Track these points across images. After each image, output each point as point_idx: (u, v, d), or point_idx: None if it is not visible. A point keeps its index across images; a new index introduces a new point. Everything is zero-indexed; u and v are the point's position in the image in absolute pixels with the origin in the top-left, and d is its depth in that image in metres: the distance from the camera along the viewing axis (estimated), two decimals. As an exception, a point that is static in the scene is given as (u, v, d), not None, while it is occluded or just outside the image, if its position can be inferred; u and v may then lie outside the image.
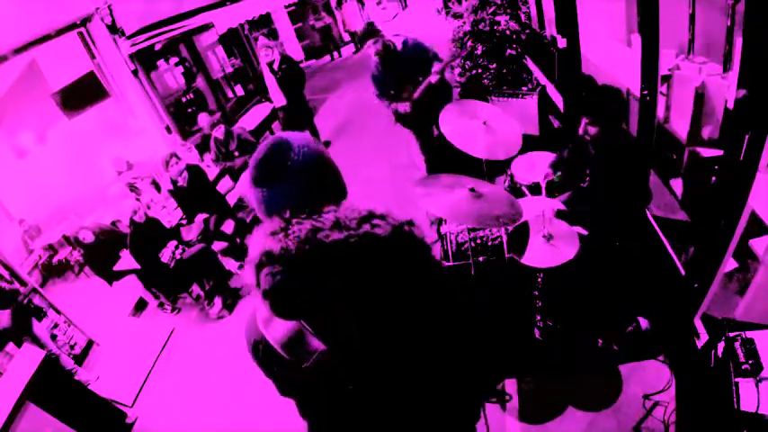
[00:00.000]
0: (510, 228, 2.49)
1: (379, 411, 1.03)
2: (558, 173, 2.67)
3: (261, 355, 1.00)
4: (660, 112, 2.68)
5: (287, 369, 0.95)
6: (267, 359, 0.99)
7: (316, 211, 0.91)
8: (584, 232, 2.35)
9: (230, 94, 8.97)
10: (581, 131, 2.35)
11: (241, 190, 5.15)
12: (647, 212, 2.78)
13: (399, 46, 3.63)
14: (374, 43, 3.57)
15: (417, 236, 0.96)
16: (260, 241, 0.90)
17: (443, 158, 2.89)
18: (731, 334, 1.69)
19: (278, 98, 5.51)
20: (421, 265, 0.97)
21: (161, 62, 7.68)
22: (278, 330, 0.93)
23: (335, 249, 0.85)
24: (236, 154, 5.32)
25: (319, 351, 0.91)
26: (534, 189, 2.90)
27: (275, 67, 5.28)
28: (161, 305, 4.42)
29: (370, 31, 3.62)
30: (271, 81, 5.38)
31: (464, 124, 2.61)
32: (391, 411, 1.02)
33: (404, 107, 3.78)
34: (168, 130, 6.42)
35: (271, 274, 0.86)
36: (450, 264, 2.89)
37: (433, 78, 3.56)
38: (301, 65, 9.16)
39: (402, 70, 3.66)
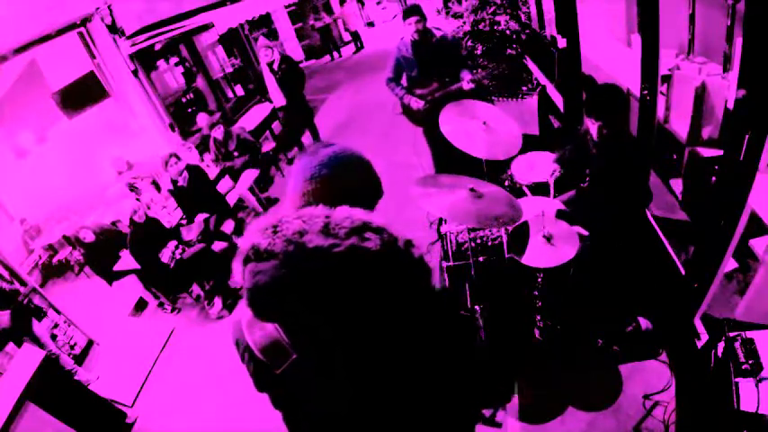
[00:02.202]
0: (510, 228, 2.49)
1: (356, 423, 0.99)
2: (565, 168, 2.65)
3: (241, 352, 0.99)
4: (660, 112, 2.67)
5: (263, 370, 0.93)
6: (246, 357, 0.97)
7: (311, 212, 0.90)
8: (585, 232, 2.35)
9: (230, 94, 8.98)
10: (590, 130, 2.34)
11: (241, 190, 5.15)
12: (647, 212, 2.78)
13: (438, 36, 3.53)
14: (416, 22, 3.41)
15: (414, 256, 0.91)
16: (252, 235, 0.89)
17: (452, 158, 2.85)
18: (731, 334, 1.69)
19: (277, 98, 5.51)
20: (409, 288, 0.90)
21: (161, 62, 7.69)
22: (257, 332, 0.92)
23: (316, 256, 0.83)
24: (236, 154, 5.32)
25: (292, 359, 0.89)
26: (535, 189, 2.90)
27: (275, 67, 5.28)
28: (161, 305, 4.42)
29: (417, 9, 3.44)
30: (270, 81, 5.38)
31: (464, 124, 2.61)
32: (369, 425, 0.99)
33: (417, 104, 3.70)
34: (172, 127, 6.42)
35: (252, 272, 0.86)
36: (451, 264, 2.89)
37: (467, 86, 3.47)
38: (301, 65, 9.17)
39: (431, 61, 3.56)
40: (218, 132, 5.19)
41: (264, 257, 0.85)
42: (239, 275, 0.89)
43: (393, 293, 0.87)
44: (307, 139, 6.19)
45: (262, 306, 0.88)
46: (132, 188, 5.04)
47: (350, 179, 1.05)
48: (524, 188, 2.92)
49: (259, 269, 0.86)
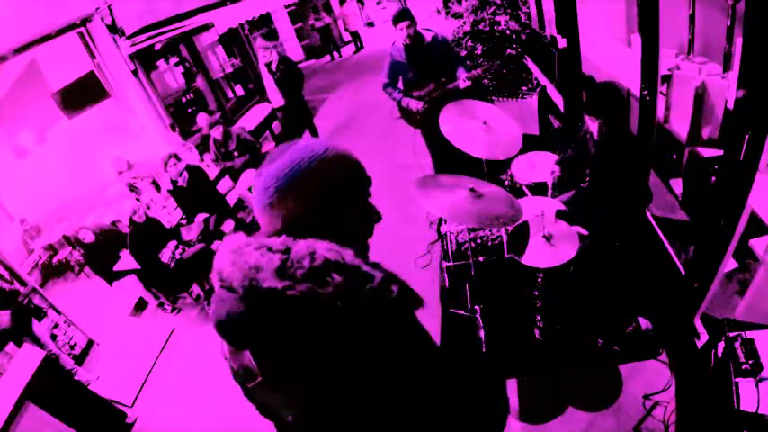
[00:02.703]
0: (510, 228, 2.49)
1: None
2: (565, 171, 2.66)
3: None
4: (660, 112, 2.67)
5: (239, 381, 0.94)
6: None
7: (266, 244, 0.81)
8: (585, 232, 2.35)
9: (230, 94, 8.98)
10: (591, 130, 2.34)
11: (241, 190, 5.15)
12: (647, 212, 2.79)
13: (429, 39, 3.53)
14: (407, 27, 3.41)
15: (389, 297, 0.79)
16: (222, 255, 0.87)
17: (451, 159, 2.85)
18: (731, 334, 1.69)
19: (276, 98, 5.52)
20: (377, 333, 0.79)
21: (161, 62, 7.69)
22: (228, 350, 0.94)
23: (269, 297, 0.76)
24: (236, 154, 5.32)
25: (258, 381, 0.87)
26: (535, 189, 2.90)
27: (273, 67, 5.28)
28: (161, 305, 4.42)
29: (406, 13, 3.44)
30: (269, 81, 5.39)
31: (464, 124, 2.61)
32: None
33: (416, 105, 3.71)
34: (173, 127, 6.42)
35: (217, 299, 0.86)
36: (451, 264, 2.89)
37: (463, 84, 3.48)
38: (301, 65, 9.18)
39: (426, 63, 3.57)
40: (218, 133, 5.19)
41: (226, 287, 0.84)
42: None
43: (355, 339, 0.78)
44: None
45: (223, 334, 0.89)
46: (132, 188, 5.03)
47: (315, 194, 0.84)
48: (524, 188, 2.92)
49: (222, 297, 0.85)
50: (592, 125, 2.33)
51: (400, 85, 3.82)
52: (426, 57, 3.55)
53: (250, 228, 5.13)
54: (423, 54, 3.54)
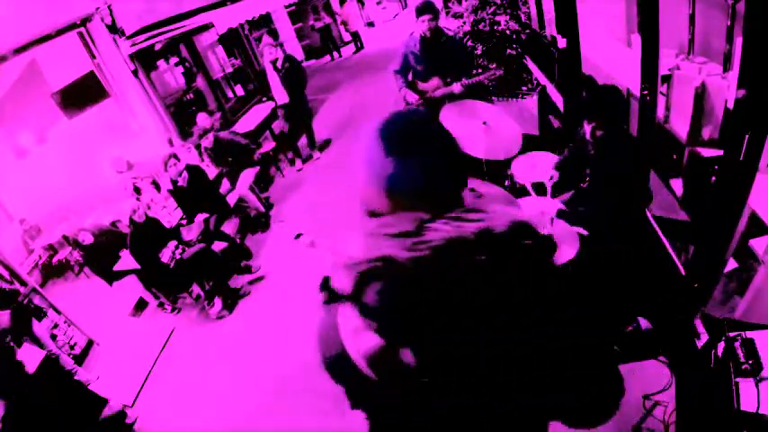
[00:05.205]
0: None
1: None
2: (563, 173, 2.66)
3: (336, 368, 0.88)
4: (660, 112, 2.67)
5: (362, 383, 0.82)
6: (342, 372, 0.86)
7: (456, 214, 0.79)
8: (585, 232, 2.35)
9: (230, 94, 8.98)
10: (587, 133, 2.33)
11: (241, 190, 5.15)
12: (647, 212, 2.78)
13: (446, 37, 3.63)
14: (429, 20, 3.47)
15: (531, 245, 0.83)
16: (369, 241, 0.77)
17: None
18: (731, 334, 1.69)
19: (281, 96, 5.54)
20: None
21: (161, 62, 7.69)
22: (367, 343, 0.78)
23: (476, 273, 0.72)
24: (230, 159, 5.34)
25: (408, 367, 0.76)
26: (535, 189, 2.90)
27: (278, 65, 5.31)
28: (161, 305, 4.42)
29: (431, 7, 3.49)
30: (274, 79, 5.41)
31: (464, 124, 2.61)
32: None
33: (413, 98, 3.78)
34: (170, 142, 6.43)
35: (381, 293, 0.74)
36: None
37: (457, 89, 3.56)
38: (302, 64, 9.16)
39: (436, 59, 3.63)
40: (208, 141, 5.20)
41: (403, 272, 0.73)
42: (340, 284, 0.79)
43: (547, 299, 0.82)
44: (301, 142, 6.22)
45: (397, 330, 0.75)
46: (137, 190, 5.04)
47: (452, 163, 0.90)
48: (528, 187, 2.92)
49: (395, 290, 0.74)
50: (586, 128, 2.34)
51: (410, 76, 3.88)
52: (439, 53, 3.61)
53: (251, 225, 5.13)
54: (436, 50, 3.60)
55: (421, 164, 0.85)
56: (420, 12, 3.48)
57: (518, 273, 0.77)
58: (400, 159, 0.84)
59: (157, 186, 5.23)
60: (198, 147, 6.11)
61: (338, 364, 0.84)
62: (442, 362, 0.77)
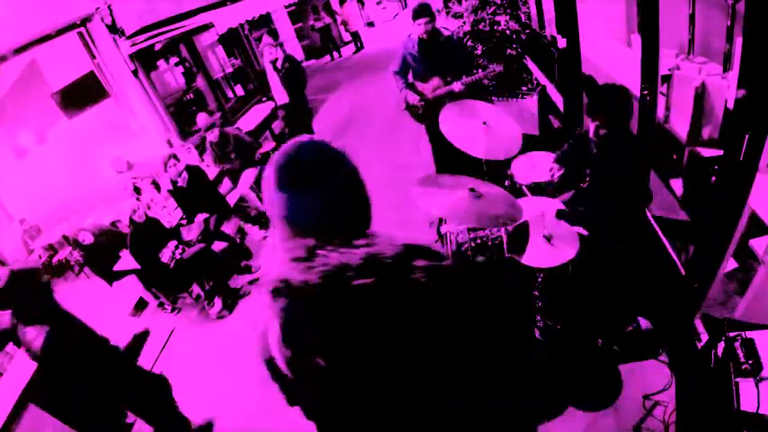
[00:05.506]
0: (510, 228, 2.49)
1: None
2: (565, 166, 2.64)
3: (272, 370, 0.95)
4: (660, 112, 2.67)
5: (292, 385, 0.92)
6: (277, 374, 0.94)
7: (346, 242, 0.82)
8: (585, 232, 2.35)
9: (230, 94, 8.98)
10: (590, 131, 2.32)
11: (242, 189, 5.15)
12: (647, 212, 2.78)
13: (444, 37, 3.59)
14: (426, 23, 3.45)
15: (456, 271, 0.87)
16: (279, 263, 0.83)
17: (454, 156, 2.87)
18: (731, 334, 1.69)
19: (280, 96, 5.53)
20: (460, 307, 0.86)
21: (161, 62, 7.69)
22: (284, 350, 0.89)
23: (360, 295, 0.77)
24: (233, 156, 5.33)
25: (320, 369, 0.84)
26: (535, 189, 2.90)
27: (278, 65, 5.31)
28: (161, 305, 4.42)
29: (427, 9, 3.46)
30: (274, 79, 5.41)
31: (464, 124, 2.61)
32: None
33: (413, 99, 3.78)
34: (169, 144, 6.43)
35: (284, 310, 0.82)
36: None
37: (457, 87, 3.54)
38: (302, 64, 9.16)
39: (435, 60, 3.62)
40: (213, 136, 5.20)
41: (298, 293, 0.80)
42: (263, 299, 0.85)
43: (443, 316, 0.83)
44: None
45: (299, 342, 0.85)
46: (137, 190, 5.04)
47: (352, 198, 0.90)
48: (524, 188, 2.92)
49: (291, 307, 0.81)
50: (590, 125, 2.33)
51: (410, 76, 3.88)
52: (437, 53, 3.59)
53: (256, 222, 5.13)
54: (434, 50, 3.59)
55: (311, 200, 0.85)
56: (416, 15, 3.47)
57: (406, 293, 0.80)
58: (291, 194, 0.85)
59: (157, 186, 5.23)
60: (197, 147, 6.11)
61: (270, 366, 0.93)
62: (345, 368, 0.84)
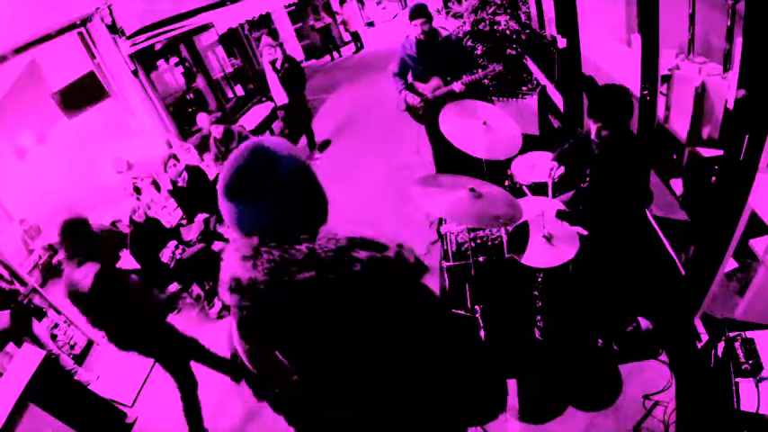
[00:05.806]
0: (510, 228, 2.49)
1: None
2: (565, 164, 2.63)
3: (238, 364, 1.00)
4: (660, 112, 2.68)
5: (256, 378, 0.97)
6: (242, 368, 0.99)
7: (289, 239, 0.84)
8: (585, 232, 2.35)
9: (230, 95, 8.98)
10: (592, 132, 2.31)
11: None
12: (648, 212, 2.79)
13: (442, 37, 3.57)
14: (422, 24, 3.44)
15: (408, 261, 0.87)
16: (231, 263, 0.86)
17: (452, 156, 2.86)
18: (731, 334, 1.69)
19: (280, 96, 5.54)
20: (405, 298, 0.87)
21: (161, 62, 7.68)
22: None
23: (304, 288, 0.80)
24: (236, 152, 5.33)
25: (281, 364, 0.89)
26: (535, 189, 2.90)
27: (278, 65, 5.31)
28: (161, 305, 4.42)
29: (423, 10, 3.45)
30: (273, 79, 5.41)
31: (464, 124, 2.61)
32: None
33: (413, 100, 3.78)
34: (169, 145, 6.43)
35: (237, 306, 0.86)
36: (451, 264, 2.89)
37: (457, 87, 3.53)
38: (301, 65, 9.17)
39: (434, 60, 3.61)
40: (218, 132, 5.19)
41: (246, 291, 0.83)
42: (224, 298, 0.88)
43: (386, 308, 0.84)
44: (301, 143, 6.22)
45: (252, 336, 0.90)
46: (137, 190, 5.04)
47: (303, 201, 0.91)
48: (524, 188, 2.92)
49: (242, 303, 0.85)
50: (592, 127, 2.32)
51: (410, 77, 3.87)
52: (436, 54, 3.58)
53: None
54: (433, 51, 3.58)
55: (254, 211, 0.87)
56: (413, 16, 3.46)
57: (345, 283, 0.82)
58: (235, 205, 0.87)
59: (157, 186, 5.23)
60: (197, 147, 6.11)
61: (235, 360, 0.98)
62: (299, 360, 0.89)
